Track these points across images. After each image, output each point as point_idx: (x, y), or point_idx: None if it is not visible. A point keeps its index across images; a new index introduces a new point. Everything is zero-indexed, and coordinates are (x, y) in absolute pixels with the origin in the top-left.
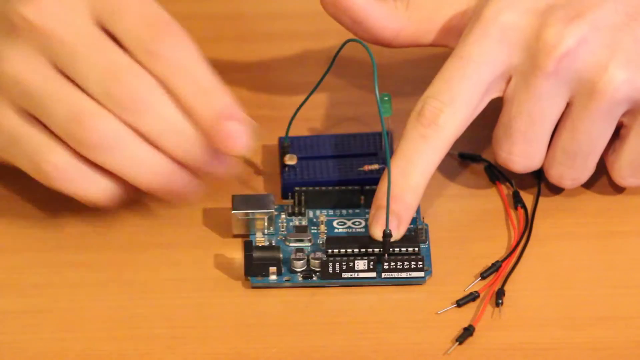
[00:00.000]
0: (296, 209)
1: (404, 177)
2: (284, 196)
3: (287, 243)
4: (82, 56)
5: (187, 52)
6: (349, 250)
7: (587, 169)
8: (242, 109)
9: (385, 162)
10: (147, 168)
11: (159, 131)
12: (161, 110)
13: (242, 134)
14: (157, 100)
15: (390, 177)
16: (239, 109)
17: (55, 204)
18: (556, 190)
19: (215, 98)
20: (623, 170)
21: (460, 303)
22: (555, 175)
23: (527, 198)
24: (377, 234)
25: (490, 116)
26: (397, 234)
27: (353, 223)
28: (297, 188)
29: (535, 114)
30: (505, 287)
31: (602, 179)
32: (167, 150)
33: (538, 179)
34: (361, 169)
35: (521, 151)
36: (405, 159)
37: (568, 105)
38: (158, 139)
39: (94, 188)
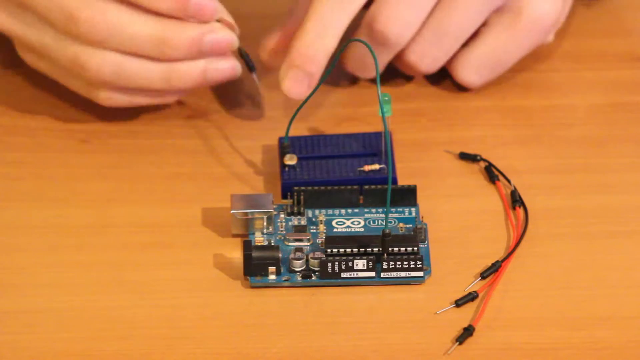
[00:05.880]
0: (295, 208)
1: (321, 39)
2: (284, 196)
3: (286, 243)
4: (38, 7)
5: None
6: (348, 250)
7: (449, 53)
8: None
9: (385, 162)
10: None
11: (131, 49)
12: (126, 32)
13: (205, 3)
14: (118, 23)
15: (390, 168)
16: None
17: (55, 203)
18: (556, 190)
19: None
20: (469, 63)
21: (459, 303)
22: (419, 53)
23: (527, 198)
24: (287, 86)
25: (490, 117)
26: (307, 91)
27: (352, 223)
28: (295, 187)
29: None
30: (505, 287)
31: (602, 178)
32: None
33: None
34: (361, 169)
35: (403, 17)
36: (321, 22)
37: None
38: (138, 52)
39: None
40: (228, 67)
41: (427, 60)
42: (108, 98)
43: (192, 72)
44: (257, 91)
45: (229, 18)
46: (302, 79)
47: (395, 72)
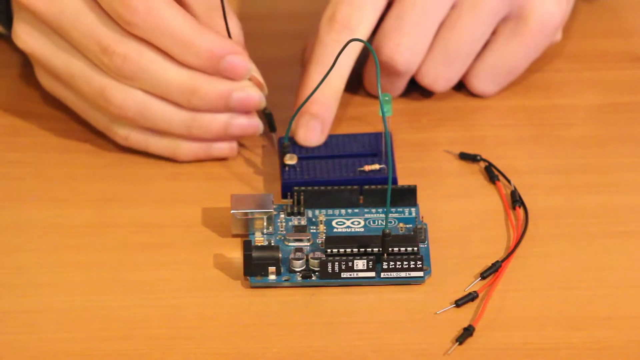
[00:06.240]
0: (295, 208)
1: (326, 82)
2: (284, 196)
3: (286, 243)
4: (73, 34)
5: (157, 14)
6: (348, 250)
7: (461, 70)
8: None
9: (385, 162)
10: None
11: (158, 91)
12: (157, 75)
13: (238, 63)
14: (151, 65)
15: (390, 168)
16: (223, 43)
17: (55, 203)
18: (556, 190)
19: (196, 45)
20: (483, 74)
21: (459, 303)
22: (432, 75)
23: (527, 198)
24: (301, 135)
25: (490, 117)
26: (322, 137)
27: (352, 223)
28: (295, 187)
29: (428, 7)
30: (505, 287)
31: (602, 179)
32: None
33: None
34: (361, 169)
35: (408, 44)
36: (325, 64)
37: (453, 6)
38: (165, 96)
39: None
40: (251, 124)
41: (441, 82)
42: (125, 137)
43: (214, 123)
44: (274, 148)
45: (259, 77)
46: (315, 125)
47: None
